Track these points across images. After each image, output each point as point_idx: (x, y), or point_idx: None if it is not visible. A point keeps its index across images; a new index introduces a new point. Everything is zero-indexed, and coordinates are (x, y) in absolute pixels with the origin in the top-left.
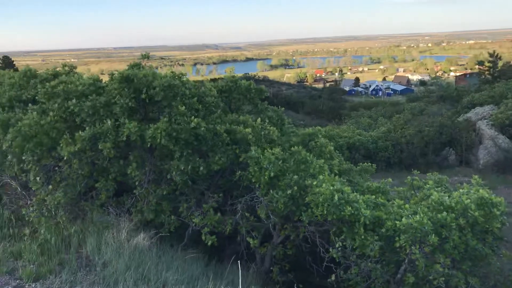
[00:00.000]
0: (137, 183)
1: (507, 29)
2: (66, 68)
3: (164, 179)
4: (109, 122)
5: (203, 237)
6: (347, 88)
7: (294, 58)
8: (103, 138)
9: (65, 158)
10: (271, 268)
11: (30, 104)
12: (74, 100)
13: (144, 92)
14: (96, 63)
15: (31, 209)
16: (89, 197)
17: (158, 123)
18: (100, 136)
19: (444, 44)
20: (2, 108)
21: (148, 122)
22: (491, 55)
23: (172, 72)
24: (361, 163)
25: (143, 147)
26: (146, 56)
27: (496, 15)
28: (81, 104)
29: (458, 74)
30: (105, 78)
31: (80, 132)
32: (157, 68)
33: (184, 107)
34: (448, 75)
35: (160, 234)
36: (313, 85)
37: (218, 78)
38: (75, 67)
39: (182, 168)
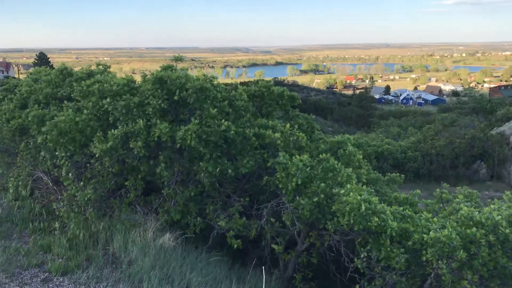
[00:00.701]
0: (165, 183)
1: None
2: (101, 67)
3: (191, 180)
4: (141, 122)
5: (228, 240)
6: (377, 96)
7: (324, 63)
8: (134, 137)
9: (96, 155)
10: (294, 275)
11: (65, 102)
12: (108, 99)
13: (176, 94)
14: (128, 63)
15: (61, 204)
16: (118, 195)
17: (189, 125)
18: (132, 135)
19: (479, 54)
20: (38, 104)
21: (179, 124)
22: None
23: (204, 75)
24: (389, 173)
25: (173, 147)
26: (179, 59)
27: None
28: (115, 103)
29: (492, 85)
30: (137, 77)
31: (112, 130)
32: (187, 69)
33: (215, 110)
34: (482, 86)
35: (186, 235)
36: (343, 92)
37: (248, 81)
38: (109, 67)
39: (211, 170)
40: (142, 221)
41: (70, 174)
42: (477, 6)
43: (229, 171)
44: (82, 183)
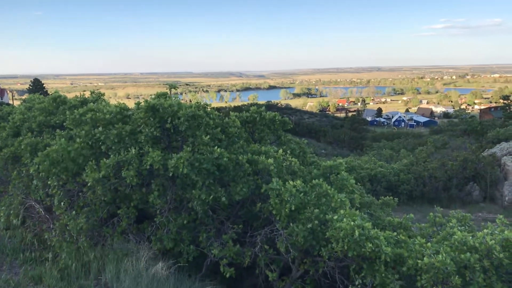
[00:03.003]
0: (158, 211)
1: None
2: (94, 95)
3: (184, 208)
4: (133, 150)
5: (222, 269)
6: (369, 118)
7: (316, 87)
8: (126, 166)
9: (89, 184)
10: None
11: (58, 130)
12: (100, 128)
13: (169, 122)
14: (122, 88)
15: (53, 233)
16: (111, 223)
17: (181, 153)
18: (124, 164)
19: (468, 76)
20: (31, 132)
21: (172, 151)
22: None
23: (197, 102)
24: (382, 196)
25: (165, 175)
26: (173, 86)
27: None
28: (107, 132)
29: (482, 107)
30: (131, 102)
31: (104, 160)
32: (181, 94)
33: (207, 137)
34: (473, 108)
35: (179, 263)
36: (335, 114)
37: (242, 105)
38: (103, 94)
39: (203, 198)
40: (134, 250)
41: (62, 203)
42: (466, 29)
43: (223, 199)
44: (74, 212)
